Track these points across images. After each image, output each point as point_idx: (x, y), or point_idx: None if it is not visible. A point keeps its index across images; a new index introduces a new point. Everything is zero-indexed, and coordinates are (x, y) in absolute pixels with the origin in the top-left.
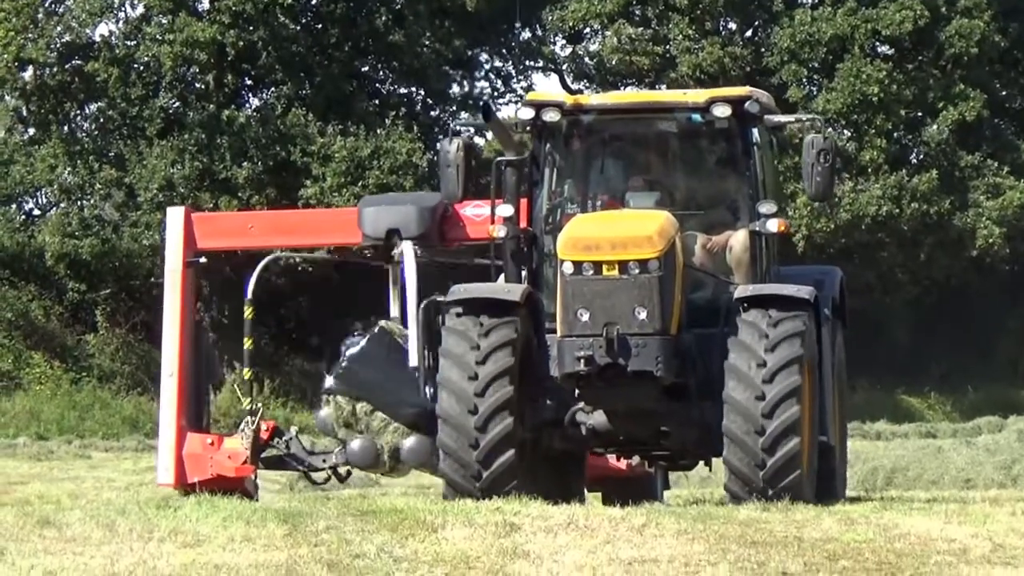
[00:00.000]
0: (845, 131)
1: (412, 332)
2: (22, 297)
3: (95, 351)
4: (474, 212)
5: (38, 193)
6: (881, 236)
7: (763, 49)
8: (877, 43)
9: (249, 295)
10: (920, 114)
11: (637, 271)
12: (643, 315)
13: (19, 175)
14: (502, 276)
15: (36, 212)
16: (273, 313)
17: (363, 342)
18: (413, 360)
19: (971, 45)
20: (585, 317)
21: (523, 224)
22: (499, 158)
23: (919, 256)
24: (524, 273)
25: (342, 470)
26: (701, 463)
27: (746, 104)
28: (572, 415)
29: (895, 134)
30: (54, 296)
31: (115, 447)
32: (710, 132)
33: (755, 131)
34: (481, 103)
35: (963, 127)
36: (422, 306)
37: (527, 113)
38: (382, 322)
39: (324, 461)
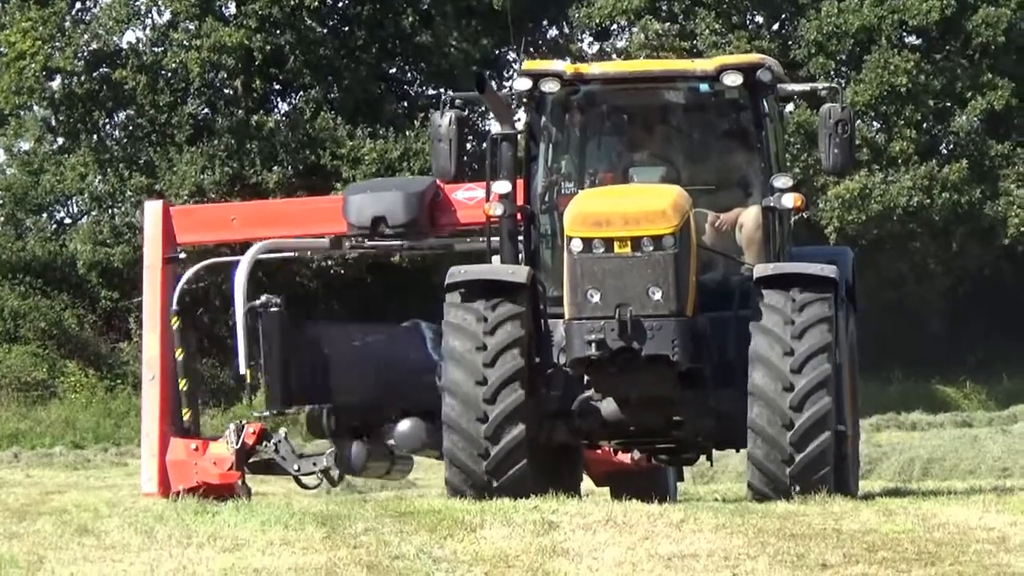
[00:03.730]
0: (874, 123)
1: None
2: (55, 306)
3: (129, 358)
4: (465, 195)
5: (69, 202)
6: (912, 227)
7: (790, 42)
8: (904, 34)
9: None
10: (949, 104)
11: (651, 248)
12: (658, 295)
13: (49, 184)
14: (496, 258)
15: (67, 221)
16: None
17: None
18: (242, 367)
19: (998, 34)
20: (596, 298)
21: (520, 202)
22: (494, 132)
23: (951, 246)
24: (521, 254)
25: (333, 473)
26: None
27: (758, 72)
28: (581, 404)
29: (924, 124)
30: (87, 304)
31: None
32: (719, 103)
33: (766, 101)
34: (475, 73)
35: (992, 116)
36: (246, 310)
37: (524, 83)
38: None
39: (315, 464)
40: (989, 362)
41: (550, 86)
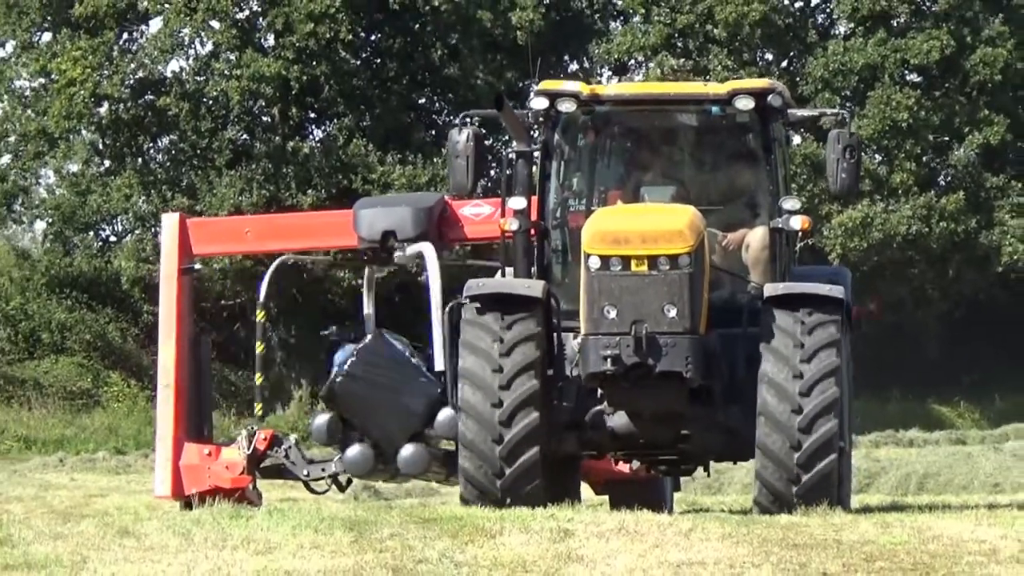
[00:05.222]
0: (876, 155)
1: (437, 336)
2: (100, 319)
3: None
4: (473, 211)
5: (114, 221)
6: (912, 254)
7: (798, 78)
8: (906, 71)
9: (261, 299)
10: (947, 138)
11: (667, 267)
12: (673, 313)
13: (96, 204)
14: (508, 272)
15: (112, 239)
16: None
17: (354, 351)
18: (439, 365)
19: (995, 72)
20: (612, 314)
21: (533, 218)
22: (511, 149)
23: (948, 273)
24: (533, 270)
25: (342, 479)
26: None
27: (769, 97)
28: (594, 417)
29: (924, 157)
30: (130, 318)
31: None
32: (730, 126)
33: (774, 126)
34: (495, 94)
35: (988, 150)
36: (447, 308)
37: (541, 103)
38: (380, 331)
39: (323, 470)
40: (983, 383)
41: (566, 106)
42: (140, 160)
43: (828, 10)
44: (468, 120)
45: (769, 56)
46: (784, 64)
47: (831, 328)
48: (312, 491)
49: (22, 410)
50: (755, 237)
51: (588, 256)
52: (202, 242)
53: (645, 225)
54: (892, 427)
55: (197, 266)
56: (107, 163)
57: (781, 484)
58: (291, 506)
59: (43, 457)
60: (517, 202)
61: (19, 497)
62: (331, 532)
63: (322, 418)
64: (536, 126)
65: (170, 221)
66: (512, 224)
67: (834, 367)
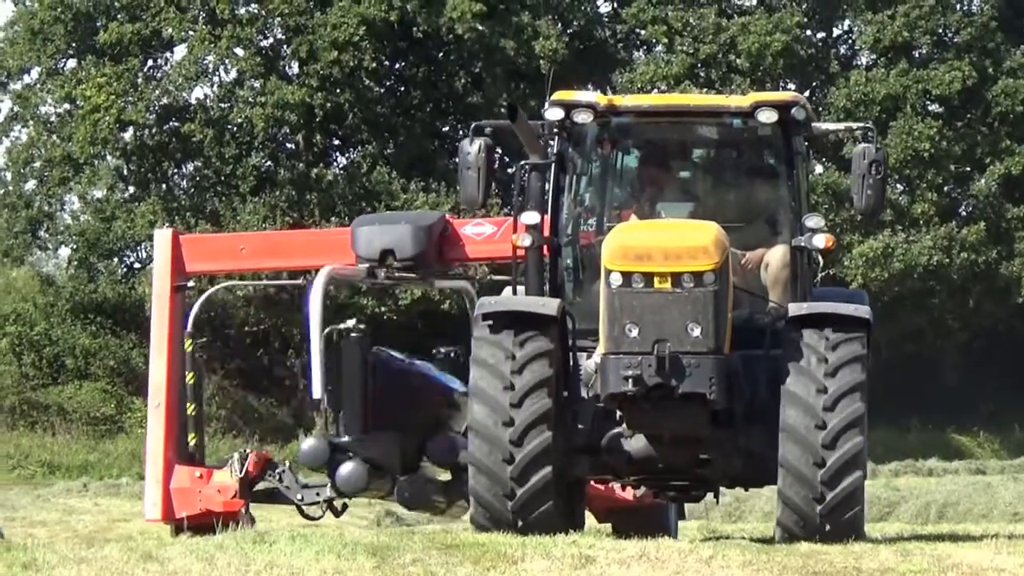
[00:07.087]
0: (898, 185)
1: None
2: (123, 345)
3: None
4: (475, 231)
5: (138, 247)
6: (932, 284)
7: (820, 108)
8: (928, 102)
9: (189, 327)
10: (969, 169)
11: (691, 284)
12: (696, 332)
13: (120, 230)
14: (520, 289)
15: (137, 265)
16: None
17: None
18: (316, 392)
19: (1017, 103)
20: (634, 333)
21: (546, 234)
22: (524, 161)
23: (968, 303)
24: (546, 288)
25: (337, 504)
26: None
27: (792, 110)
28: (610, 440)
29: (945, 188)
30: None
31: None
32: (751, 139)
33: (796, 140)
34: (507, 102)
35: (1009, 181)
36: (323, 334)
37: (556, 113)
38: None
39: (318, 495)
40: (1002, 413)
41: (582, 117)
42: (164, 186)
43: (850, 41)
44: (480, 131)
45: (791, 86)
46: (806, 94)
47: (856, 344)
48: (305, 516)
49: (46, 435)
50: (775, 256)
51: (609, 272)
52: (196, 259)
53: (669, 241)
54: (912, 456)
55: (190, 284)
56: (131, 189)
57: (805, 503)
58: (314, 531)
59: (67, 482)
60: (530, 217)
61: (43, 522)
62: (354, 557)
63: (309, 442)
64: (550, 138)
65: (162, 237)
66: (525, 240)
67: (859, 382)
